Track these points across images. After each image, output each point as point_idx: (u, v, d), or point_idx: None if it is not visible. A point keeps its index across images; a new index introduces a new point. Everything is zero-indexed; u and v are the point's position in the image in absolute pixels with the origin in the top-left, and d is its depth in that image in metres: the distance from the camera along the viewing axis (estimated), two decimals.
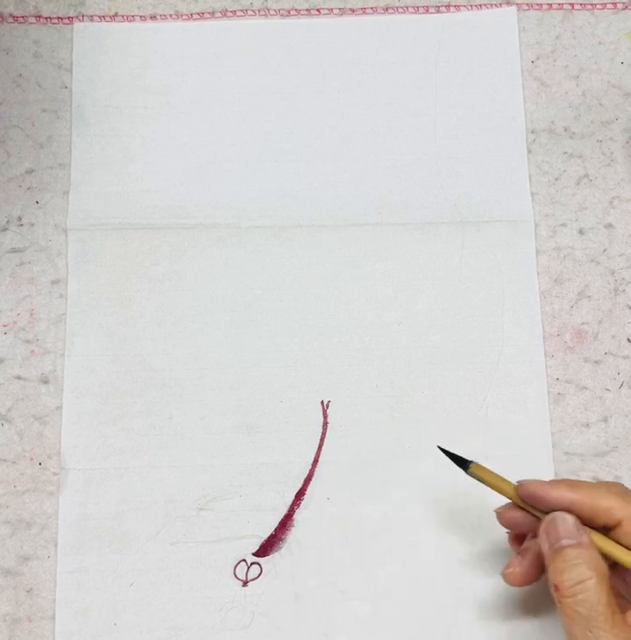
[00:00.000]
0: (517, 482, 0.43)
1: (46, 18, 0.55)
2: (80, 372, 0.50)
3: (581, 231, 0.53)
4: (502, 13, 0.56)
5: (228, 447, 0.49)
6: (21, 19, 0.55)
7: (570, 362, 0.51)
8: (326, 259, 0.52)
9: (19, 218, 0.52)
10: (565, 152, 0.54)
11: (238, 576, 0.48)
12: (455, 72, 0.55)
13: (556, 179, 0.54)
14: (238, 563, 0.48)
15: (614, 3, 0.56)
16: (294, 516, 0.48)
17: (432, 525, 0.47)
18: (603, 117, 0.55)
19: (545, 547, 0.41)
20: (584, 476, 0.49)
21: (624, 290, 0.52)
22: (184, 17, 0.56)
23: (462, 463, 0.44)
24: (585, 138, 0.54)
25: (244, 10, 0.56)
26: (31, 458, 0.49)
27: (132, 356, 0.50)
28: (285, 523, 0.48)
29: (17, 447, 0.49)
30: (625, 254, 0.53)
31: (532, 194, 0.53)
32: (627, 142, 0.54)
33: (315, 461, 0.49)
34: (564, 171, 0.54)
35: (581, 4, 0.56)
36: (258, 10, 0.56)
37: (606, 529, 0.41)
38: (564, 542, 0.40)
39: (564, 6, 0.56)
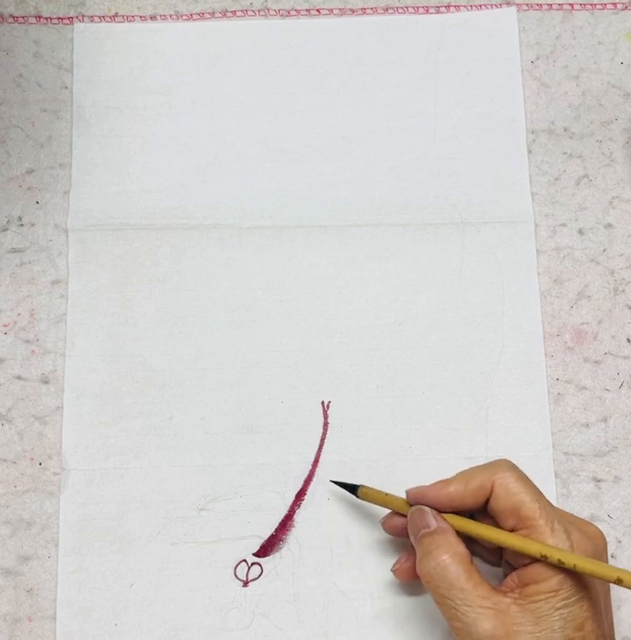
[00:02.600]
0: (406, 491, 0.45)
1: (46, 19, 0.55)
2: (80, 372, 0.50)
3: (581, 231, 0.53)
4: (502, 13, 0.56)
5: (228, 447, 0.49)
6: (21, 19, 0.55)
7: (569, 362, 0.51)
8: (326, 260, 0.52)
9: (20, 218, 0.52)
10: (565, 153, 0.54)
11: (239, 576, 0.48)
12: (455, 72, 0.55)
13: (556, 179, 0.54)
14: (239, 563, 0.48)
15: (614, 4, 0.56)
16: (295, 517, 0.48)
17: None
18: (603, 118, 0.55)
19: (413, 541, 0.44)
20: (584, 476, 0.49)
21: (624, 290, 0.52)
22: (184, 17, 0.56)
23: (352, 489, 0.47)
24: (585, 138, 0.54)
25: (244, 11, 0.56)
26: (32, 458, 0.49)
27: (133, 356, 0.50)
28: (285, 524, 0.48)
29: (18, 447, 0.49)
30: (625, 254, 0.53)
31: (532, 194, 0.53)
32: (626, 142, 0.54)
33: (316, 461, 0.49)
34: (564, 171, 0.54)
35: (581, 5, 0.56)
36: (259, 11, 0.56)
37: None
38: (422, 531, 0.43)
39: (564, 6, 0.56)
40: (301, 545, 0.48)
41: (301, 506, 0.49)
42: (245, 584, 0.48)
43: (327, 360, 0.51)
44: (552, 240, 0.53)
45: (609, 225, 0.53)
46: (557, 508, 0.43)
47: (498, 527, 0.42)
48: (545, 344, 0.51)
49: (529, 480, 0.43)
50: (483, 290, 0.52)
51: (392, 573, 0.47)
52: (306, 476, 0.49)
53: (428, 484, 0.44)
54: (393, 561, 0.47)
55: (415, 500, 0.44)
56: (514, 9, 0.56)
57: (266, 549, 0.48)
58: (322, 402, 0.50)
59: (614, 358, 0.51)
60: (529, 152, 0.54)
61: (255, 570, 0.48)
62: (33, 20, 0.55)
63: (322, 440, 0.50)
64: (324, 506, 0.48)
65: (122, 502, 0.49)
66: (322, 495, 0.49)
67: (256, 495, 0.49)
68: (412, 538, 0.44)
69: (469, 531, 0.43)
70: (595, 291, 0.52)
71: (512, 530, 0.42)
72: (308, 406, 0.50)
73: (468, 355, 0.51)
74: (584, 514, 0.49)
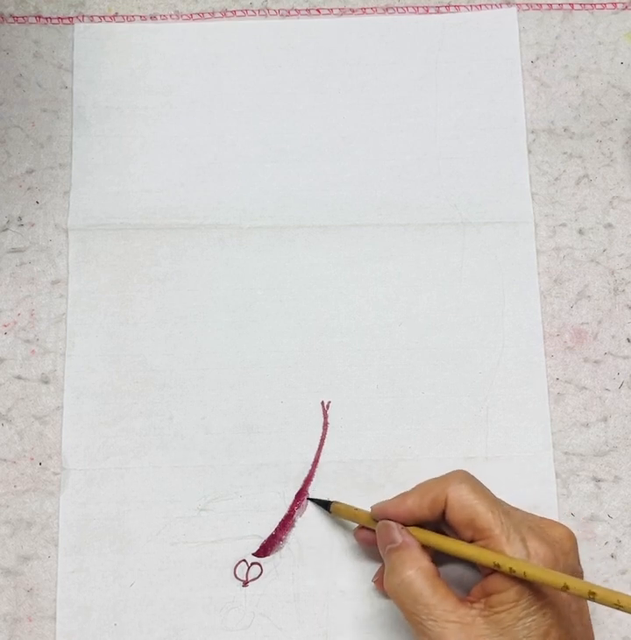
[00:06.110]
0: (371, 508, 0.46)
1: (46, 19, 0.55)
2: (80, 372, 0.50)
3: (581, 231, 0.53)
4: (502, 13, 0.56)
5: (228, 447, 0.49)
6: (21, 19, 0.55)
7: (569, 362, 0.51)
8: (327, 260, 0.52)
9: (20, 218, 0.52)
10: (565, 153, 0.54)
11: (239, 576, 0.48)
12: (455, 72, 0.55)
13: (556, 179, 0.54)
14: (239, 563, 0.48)
15: (614, 3, 0.56)
16: (295, 517, 0.49)
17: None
18: (603, 118, 0.55)
19: (382, 555, 0.44)
20: (584, 476, 0.49)
21: (624, 290, 0.52)
22: (184, 17, 0.56)
23: (326, 505, 0.48)
24: (585, 138, 0.54)
25: (244, 10, 0.56)
26: (32, 458, 0.49)
27: (133, 356, 0.50)
28: (285, 524, 0.48)
29: (18, 447, 0.49)
30: (625, 254, 0.53)
31: (532, 194, 0.53)
32: (626, 142, 0.54)
33: (316, 461, 0.49)
34: (564, 171, 0.54)
35: (581, 4, 0.56)
36: (258, 10, 0.56)
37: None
38: (388, 547, 0.43)
39: (564, 6, 0.56)
40: (301, 545, 0.48)
41: (301, 506, 0.49)
42: (245, 584, 0.48)
43: (327, 360, 0.51)
44: (552, 240, 0.53)
45: (609, 225, 0.53)
46: (517, 514, 0.43)
47: (460, 538, 0.42)
48: (545, 344, 0.51)
49: (484, 489, 0.43)
50: (483, 290, 0.52)
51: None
52: (306, 476, 0.49)
53: (390, 498, 0.45)
54: None
55: (379, 516, 0.45)
56: (514, 9, 0.56)
57: (266, 549, 0.48)
58: (322, 402, 0.50)
59: (614, 358, 0.51)
60: (529, 152, 0.54)
61: (255, 570, 0.48)
62: (33, 20, 0.55)
63: (322, 440, 0.50)
64: None
65: (122, 502, 0.49)
66: (323, 495, 0.49)
67: (256, 495, 0.49)
68: (381, 552, 0.44)
69: (430, 543, 0.43)
70: (595, 291, 0.52)
71: (471, 541, 0.42)
72: (308, 406, 0.50)
73: (468, 355, 0.51)
74: (584, 514, 0.49)
